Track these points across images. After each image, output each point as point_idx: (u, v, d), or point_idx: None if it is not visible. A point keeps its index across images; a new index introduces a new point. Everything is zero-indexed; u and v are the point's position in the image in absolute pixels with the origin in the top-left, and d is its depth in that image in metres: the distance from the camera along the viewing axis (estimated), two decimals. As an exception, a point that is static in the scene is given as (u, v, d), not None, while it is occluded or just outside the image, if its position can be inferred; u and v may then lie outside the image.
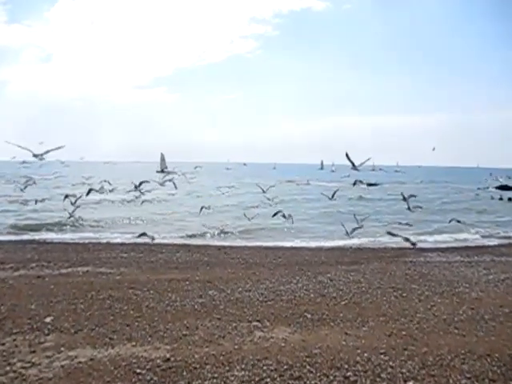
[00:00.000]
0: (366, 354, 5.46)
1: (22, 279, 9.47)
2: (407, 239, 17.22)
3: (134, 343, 5.76)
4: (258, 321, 6.78)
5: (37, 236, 18.26)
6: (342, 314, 7.22)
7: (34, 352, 5.42)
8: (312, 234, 20.13)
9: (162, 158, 69.89)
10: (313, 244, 17.90)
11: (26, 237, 18.03)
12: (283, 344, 5.82)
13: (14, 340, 5.77)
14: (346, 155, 17.50)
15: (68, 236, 18.40)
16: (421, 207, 19.27)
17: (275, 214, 18.32)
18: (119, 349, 5.58)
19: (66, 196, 18.27)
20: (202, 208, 21.48)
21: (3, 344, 5.63)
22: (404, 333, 6.33)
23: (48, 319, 6.57)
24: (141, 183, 18.75)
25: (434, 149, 24.42)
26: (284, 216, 18.14)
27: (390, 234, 17.96)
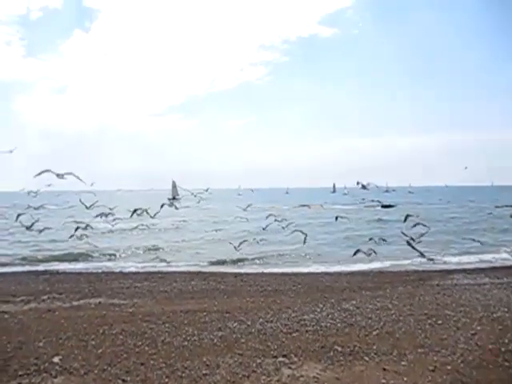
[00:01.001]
0: (411, 395, 4.83)
1: (31, 313, 9.01)
2: (423, 255, 16.62)
3: (149, 386, 5.20)
4: (285, 356, 6.17)
5: (49, 266, 17.93)
6: (375, 347, 6.58)
7: (39, 399, 4.90)
8: (330, 259, 19.44)
9: (174, 186, 70.00)
10: (332, 269, 17.23)
11: (38, 267, 17.72)
12: (316, 384, 5.21)
13: (19, 384, 5.25)
14: (358, 183, 17.42)
15: (81, 266, 18.03)
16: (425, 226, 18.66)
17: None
18: (133, 393, 5.03)
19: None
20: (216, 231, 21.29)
21: (6, 389, 5.13)
22: (449, 367, 5.66)
23: (56, 359, 6.04)
24: (136, 210, 18.61)
25: (466, 168, 23.48)
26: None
27: (409, 244, 17.35)
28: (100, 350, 6.43)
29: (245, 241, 18.84)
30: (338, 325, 7.86)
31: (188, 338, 7.04)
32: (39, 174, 11.89)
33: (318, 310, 9.17)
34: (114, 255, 20.34)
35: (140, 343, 6.78)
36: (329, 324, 7.91)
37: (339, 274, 15.80)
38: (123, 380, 5.34)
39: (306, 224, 32.59)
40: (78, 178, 12.58)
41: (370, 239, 18.57)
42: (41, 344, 6.74)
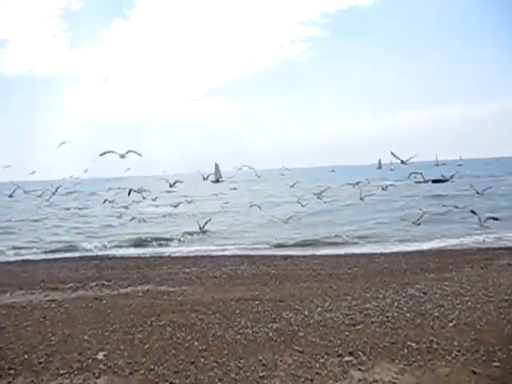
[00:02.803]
0: (520, 411, 3.94)
1: (78, 302, 8.74)
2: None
3: (200, 391, 4.60)
4: (351, 354, 5.39)
5: (100, 252, 18.09)
6: (456, 342, 5.66)
7: (80, 404, 4.43)
8: (384, 238, 18.36)
9: (217, 168, 70.08)
10: (388, 249, 16.20)
11: (90, 253, 17.93)
12: (394, 392, 4.40)
13: (60, 385, 4.82)
14: (392, 153, 16.28)
15: (130, 251, 18.11)
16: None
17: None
18: (182, 399, 4.45)
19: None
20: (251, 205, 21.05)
21: (46, 392, 4.70)
22: (557, 371, 4.69)
23: (101, 355, 5.59)
24: (175, 182, 18.68)
25: None
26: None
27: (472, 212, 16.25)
28: (147, 345, 5.93)
29: (291, 217, 18.17)
30: (407, 314, 6.97)
31: (241, 331, 6.41)
32: (103, 153, 12.49)
33: (381, 296, 8.31)
34: (163, 240, 20.26)
35: (189, 337, 6.22)
36: (396, 314, 7.04)
37: (396, 254, 14.78)
38: (171, 383, 4.77)
39: (355, 203, 31.36)
40: (137, 153, 12.91)
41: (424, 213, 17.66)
42: (86, 337, 6.35)
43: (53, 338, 6.32)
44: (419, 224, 17.02)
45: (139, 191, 20.99)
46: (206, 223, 17.18)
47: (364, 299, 8.11)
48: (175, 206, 24.46)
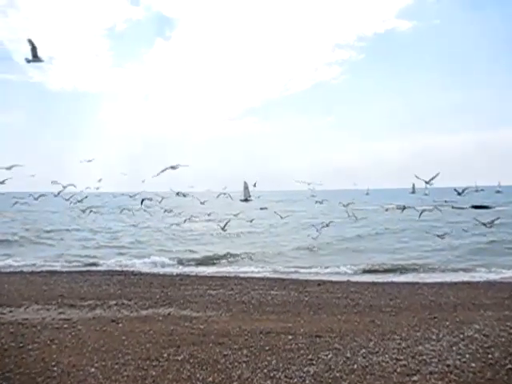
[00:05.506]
0: None
1: (93, 323, 7.95)
2: None
3: None
4: (411, 417, 4.31)
5: (126, 268, 17.53)
6: (544, 409, 4.48)
7: None
8: (422, 267, 16.97)
9: (246, 187, 69.30)
10: (432, 279, 14.87)
11: (115, 268, 17.42)
12: None
13: None
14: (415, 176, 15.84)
15: (156, 269, 17.46)
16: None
17: None
18: None
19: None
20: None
21: None
22: None
23: (105, 397, 4.71)
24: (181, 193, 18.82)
25: None
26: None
27: None
28: (160, 387, 5.00)
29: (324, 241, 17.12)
30: (472, 364, 5.75)
31: (271, 375, 5.36)
32: (164, 170, 13.51)
33: (434, 337, 7.12)
34: (190, 258, 19.70)
35: (210, 378, 5.23)
36: (458, 362, 5.83)
37: (441, 285, 13.46)
38: None
39: (400, 230, 29.74)
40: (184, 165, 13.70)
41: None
42: (92, 369, 5.46)
43: (55, 369, 5.47)
44: (443, 237, 16.69)
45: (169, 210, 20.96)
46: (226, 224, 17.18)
47: (414, 340, 6.95)
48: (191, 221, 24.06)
